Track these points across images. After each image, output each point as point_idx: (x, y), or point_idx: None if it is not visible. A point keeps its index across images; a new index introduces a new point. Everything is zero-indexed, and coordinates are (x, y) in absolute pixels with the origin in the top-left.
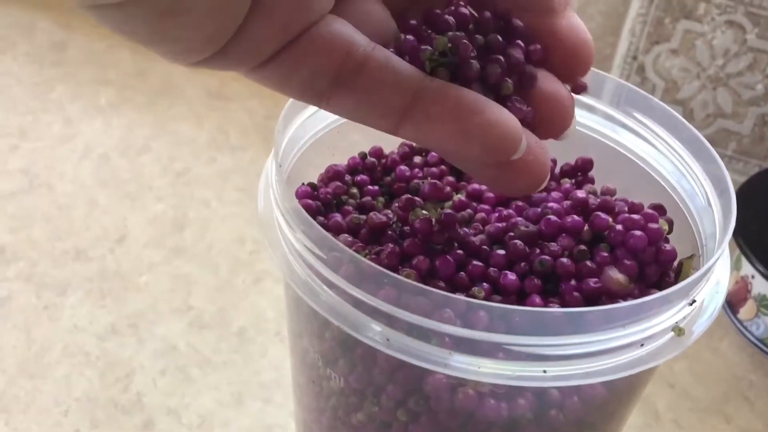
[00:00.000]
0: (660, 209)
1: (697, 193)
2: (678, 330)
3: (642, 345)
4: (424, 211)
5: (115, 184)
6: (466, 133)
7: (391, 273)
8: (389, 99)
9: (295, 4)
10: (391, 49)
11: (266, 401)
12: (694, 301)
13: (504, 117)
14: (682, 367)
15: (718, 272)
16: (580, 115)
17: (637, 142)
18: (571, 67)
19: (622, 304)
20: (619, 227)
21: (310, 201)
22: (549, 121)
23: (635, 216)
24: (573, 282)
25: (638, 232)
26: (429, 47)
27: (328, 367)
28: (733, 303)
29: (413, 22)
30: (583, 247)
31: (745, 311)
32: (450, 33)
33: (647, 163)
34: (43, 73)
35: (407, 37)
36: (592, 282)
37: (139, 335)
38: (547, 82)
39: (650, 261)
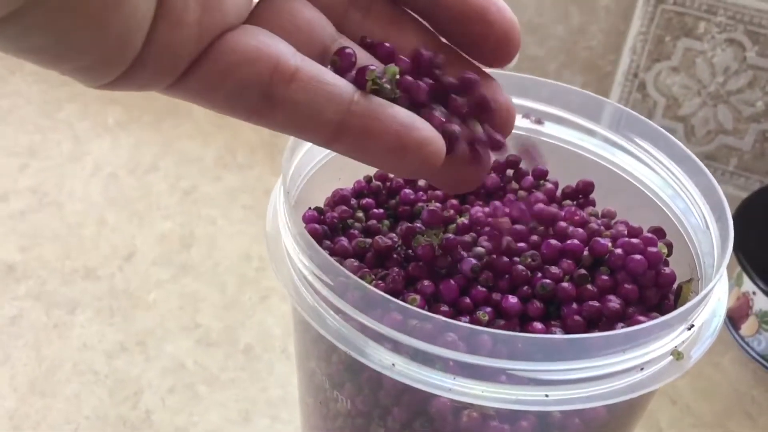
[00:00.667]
0: (659, 232)
1: (695, 215)
2: (677, 354)
3: (642, 369)
4: (426, 238)
5: (123, 203)
6: (404, 148)
7: (394, 299)
8: (323, 113)
9: (204, 6)
10: (334, 57)
11: (273, 418)
12: (692, 326)
13: (433, 132)
14: (684, 384)
15: (716, 296)
16: (581, 139)
17: (637, 165)
18: (503, 50)
19: (622, 330)
20: (618, 251)
21: (316, 225)
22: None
23: (634, 240)
24: (574, 305)
25: (638, 256)
26: (374, 67)
27: (335, 390)
28: (734, 319)
29: (369, 40)
30: (583, 271)
31: (747, 327)
32: (398, 67)
33: (646, 186)
34: (51, 92)
35: (346, 49)
36: (592, 304)
37: (148, 353)
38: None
39: (650, 284)
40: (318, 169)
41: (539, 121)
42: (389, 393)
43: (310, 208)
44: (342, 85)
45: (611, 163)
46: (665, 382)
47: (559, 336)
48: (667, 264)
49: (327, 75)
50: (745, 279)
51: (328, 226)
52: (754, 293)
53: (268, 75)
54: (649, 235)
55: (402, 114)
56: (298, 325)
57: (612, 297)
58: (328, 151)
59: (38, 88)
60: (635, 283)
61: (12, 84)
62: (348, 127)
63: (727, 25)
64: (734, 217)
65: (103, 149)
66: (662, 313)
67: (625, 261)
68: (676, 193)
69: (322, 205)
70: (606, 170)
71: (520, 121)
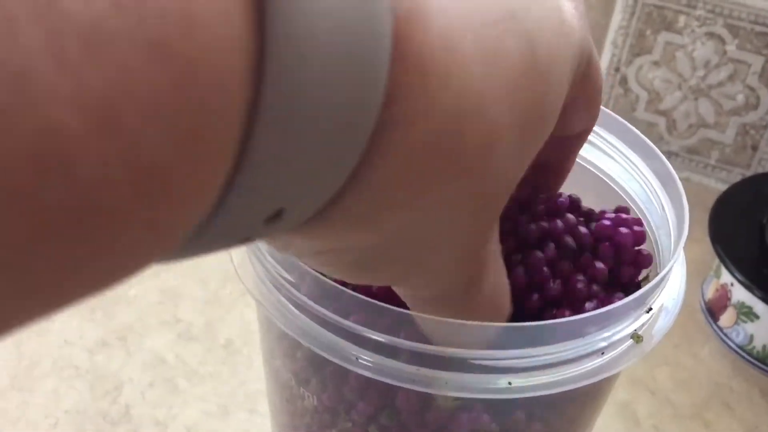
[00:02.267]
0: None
1: (651, 200)
2: (636, 337)
3: (602, 353)
4: None
5: None
6: None
7: (352, 292)
8: None
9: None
10: None
11: (251, 411)
12: (650, 309)
13: None
14: (664, 374)
15: (675, 279)
16: None
17: (592, 150)
18: None
19: (583, 315)
20: (607, 222)
21: None
22: None
23: (624, 215)
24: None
25: (625, 230)
26: None
27: (301, 387)
28: (713, 311)
29: None
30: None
31: (726, 319)
32: None
33: (603, 171)
34: None
35: None
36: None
37: (128, 348)
38: None
39: (629, 262)
40: None
41: None
42: (353, 388)
43: None
44: None
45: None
46: (626, 365)
47: (518, 324)
48: None
49: None
50: (724, 271)
51: None
52: (732, 285)
53: None
54: (634, 217)
55: None
56: (262, 323)
57: (580, 276)
58: None
59: None
60: (615, 256)
61: None
62: None
63: (707, 19)
64: (713, 210)
65: None
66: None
67: (613, 232)
68: (632, 178)
69: None
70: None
71: None
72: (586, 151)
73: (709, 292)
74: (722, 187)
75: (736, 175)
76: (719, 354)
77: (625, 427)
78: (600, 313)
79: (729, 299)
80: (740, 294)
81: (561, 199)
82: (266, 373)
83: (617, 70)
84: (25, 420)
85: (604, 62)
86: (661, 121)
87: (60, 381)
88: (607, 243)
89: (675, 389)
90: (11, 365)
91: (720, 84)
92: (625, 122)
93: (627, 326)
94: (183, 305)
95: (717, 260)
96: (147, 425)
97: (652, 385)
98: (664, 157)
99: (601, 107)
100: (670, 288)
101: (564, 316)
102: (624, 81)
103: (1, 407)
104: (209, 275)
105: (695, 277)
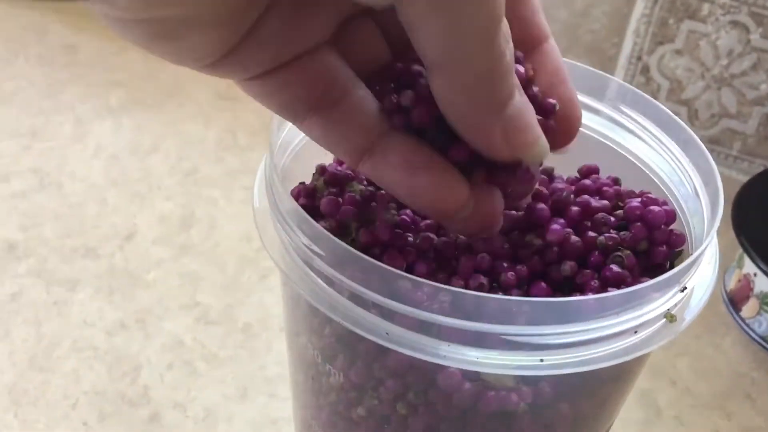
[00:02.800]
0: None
1: (684, 183)
2: (670, 316)
3: (636, 332)
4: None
5: (124, 184)
6: (413, 187)
7: (387, 267)
8: (354, 137)
9: (290, 38)
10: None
11: (271, 395)
12: (685, 288)
13: (452, 179)
14: (684, 364)
15: (707, 261)
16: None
17: (635, 142)
18: (562, 140)
19: (617, 292)
20: (636, 202)
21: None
22: (560, 132)
23: (652, 195)
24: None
25: (657, 208)
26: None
27: (327, 363)
28: (735, 301)
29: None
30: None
31: (748, 309)
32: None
33: (642, 161)
34: (54, 75)
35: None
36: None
37: (147, 330)
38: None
39: (662, 242)
40: (306, 143)
41: None
42: (385, 365)
43: (301, 183)
44: (379, 115)
45: (613, 142)
46: (659, 344)
47: (553, 299)
48: None
49: (369, 104)
50: (747, 260)
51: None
52: (755, 275)
53: (319, 93)
54: (661, 198)
55: (422, 152)
56: (288, 301)
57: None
58: None
59: (42, 71)
60: (649, 237)
61: (16, 66)
62: (373, 153)
63: (731, 7)
64: (736, 200)
65: (105, 130)
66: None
67: (643, 212)
68: (670, 166)
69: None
70: (608, 149)
71: None
72: (627, 141)
73: (732, 283)
74: (744, 178)
75: (758, 166)
76: (741, 344)
77: (646, 416)
78: (634, 290)
79: (752, 289)
80: (763, 284)
81: (604, 180)
82: (290, 352)
83: (639, 58)
84: (45, 401)
85: (625, 51)
86: (683, 111)
87: (79, 362)
88: (638, 223)
89: (696, 380)
90: (30, 345)
91: (743, 73)
92: (658, 104)
93: (661, 305)
94: (202, 289)
95: (739, 250)
96: (166, 407)
97: (673, 375)
98: (696, 137)
99: (643, 94)
100: (703, 269)
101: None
102: (646, 70)
103: (21, 387)
104: (228, 260)
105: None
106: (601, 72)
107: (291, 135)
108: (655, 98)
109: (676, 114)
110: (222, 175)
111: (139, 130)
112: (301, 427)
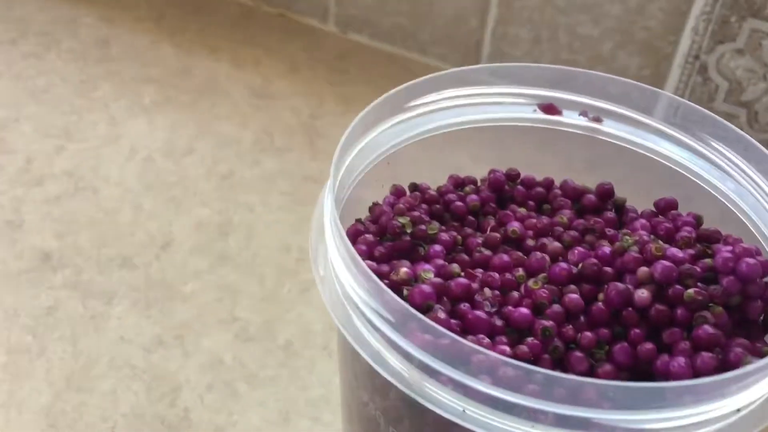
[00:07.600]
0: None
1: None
2: None
3: (738, 410)
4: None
5: (159, 188)
6: None
7: (480, 348)
8: None
9: None
10: None
11: (315, 420)
12: None
13: None
14: None
15: None
16: (637, 135)
17: (696, 160)
18: None
19: (731, 373)
20: (727, 253)
21: (368, 237)
22: None
23: (745, 245)
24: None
25: (752, 261)
26: None
27: (390, 426)
28: None
29: None
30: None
31: None
32: None
33: (721, 192)
34: (86, 70)
35: None
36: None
37: (185, 348)
38: None
39: (756, 295)
40: (370, 170)
41: (597, 119)
42: None
43: (357, 220)
44: None
45: (668, 159)
46: (764, 425)
47: (650, 384)
48: None
49: None
50: None
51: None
52: None
53: None
54: (752, 246)
55: None
56: (347, 355)
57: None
58: (373, 156)
59: (75, 66)
60: (742, 291)
61: (48, 61)
62: None
63: None
64: None
65: (139, 130)
66: (748, 338)
67: (736, 264)
68: (745, 190)
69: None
70: (662, 166)
71: (576, 120)
72: (687, 159)
73: None
74: None
75: None
76: None
77: None
78: (748, 371)
79: None
80: None
81: (684, 218)
82: (344, 401)
83: (697, 57)
84: (84, 423)
85: (682, 49)
86: (742, 113)
87: (117, 381)
88: (731, 277)
89: None
90: (67, 363)
91: None
92: (745, 134)
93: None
94: (240, 303)
95: None
96: (207, 431)
97: None
98: None
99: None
100: None
101: (682, 364)
102: (704, 69)
103: (59, 408)
104: (267, 272)
105: None
106: (678, 98)
107: (356, 162)
108: (712, 99)
109: (735, 117)
110: (259, 179)
111: (173, 130)
112: None
